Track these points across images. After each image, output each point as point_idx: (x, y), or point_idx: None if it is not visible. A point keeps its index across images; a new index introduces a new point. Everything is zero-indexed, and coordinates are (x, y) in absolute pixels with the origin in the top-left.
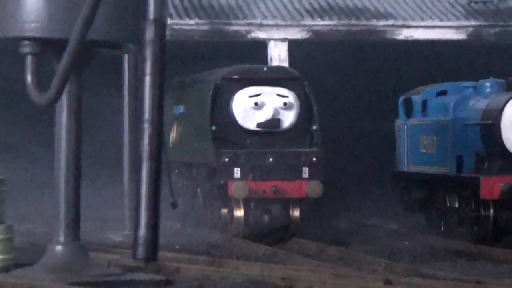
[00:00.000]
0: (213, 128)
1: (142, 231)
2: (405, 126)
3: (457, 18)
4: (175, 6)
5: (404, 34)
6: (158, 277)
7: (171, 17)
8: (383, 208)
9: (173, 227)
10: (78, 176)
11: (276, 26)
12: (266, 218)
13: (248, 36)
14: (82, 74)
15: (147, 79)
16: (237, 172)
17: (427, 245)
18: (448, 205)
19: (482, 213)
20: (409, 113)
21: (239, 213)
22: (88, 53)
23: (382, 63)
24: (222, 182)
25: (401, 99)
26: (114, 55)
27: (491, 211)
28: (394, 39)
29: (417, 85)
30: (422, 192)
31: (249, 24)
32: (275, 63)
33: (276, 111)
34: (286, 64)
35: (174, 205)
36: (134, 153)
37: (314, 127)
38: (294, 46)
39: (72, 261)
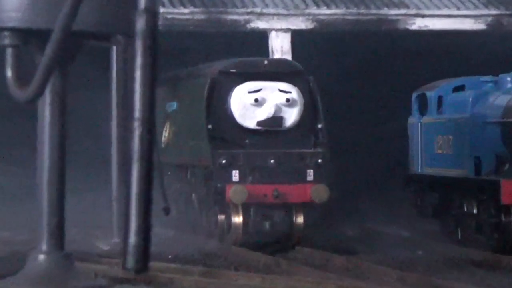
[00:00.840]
0: (209, 126)
1: (132, 239)
2: (419, 124)
3: (476, 7)
4: None
5: (418, 24)
6: None
7: (164, 6)
8: (395, 213)
9: (166, 235)
10: (62, 178)
11: (278, 15)
12: (267, 225)
13: (248, 26)
14: (67, 68)
15: (138, 74)
16: (235, 175)
17: (443, 255)
18: (465, 210)
19: (503, 219)
20: (423, 110)
21: (238, 219)
22: (73, 45)
23: (394, 56)
24: (219, 185)
25: (414, 95)
26: (102, 48)
27: None
28: (407, 29)
29: (432, 80)
30: (437, 196)
31: (248, 13)
32: (277, 55)
33: (278, 108)
34: (288, 56)
35: (166, 211)
36: (123, 153)
37: (319, 126)
38: (297, 37)
39: (56, 271)
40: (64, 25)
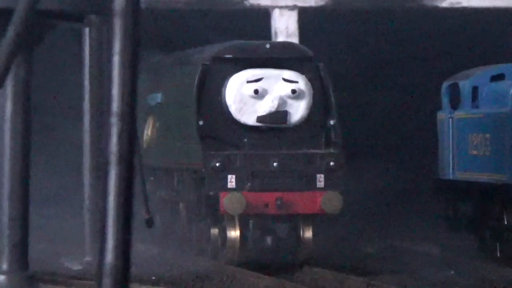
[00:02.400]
0: (200, 123)
1: (109, 257)
2: (450, 120)
3: None
4: None
5: (449, 0)
6: None
7: None
8: (422, 227)
9: (149, 252)
10: (26, 186)
11: None
12: (268, 240)
13: (246, 2)
14: (32, 54)
15: (116, 60)
16: (231, 181)
17: (479, 275)
18: (505, 223)
19: None
20: (455, 104)
21: (234, 233)
22: (39, 27)
23: (420, 39)
24: (211, 193)
25: (444, 85)
26: (73, 30)
27: None
28: (436, 7)
29: (466, 67)
30: (472, 206)
31: None
32: (281, 38)
33: (282, 101)
34: (295, 39)
35: (150, 223)
36: (98, 155)
37: (331, 122)
38: (305, 16)
39: None
40: (28, 4)
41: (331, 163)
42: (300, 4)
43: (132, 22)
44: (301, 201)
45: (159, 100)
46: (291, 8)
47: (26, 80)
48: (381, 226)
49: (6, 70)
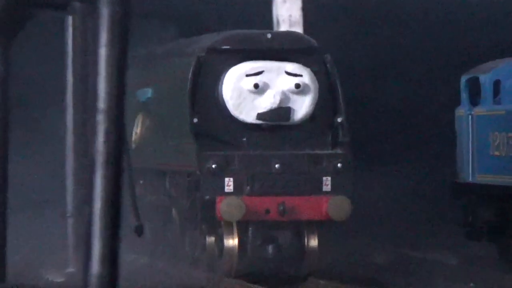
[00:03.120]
0: (195, 120)
1: (95, 268)
2: (469, 117)
3: None
4: None
5: None
6: None
7: None
8: (437, 234)
9: (139, 262)
10: (3, 190)
11: None
12: (270, 249)
13: None
14: (10, 44)
15: (103, 52)
16: (228, 184)
17: None
18: None
19: None
20: (475, 99)
21: (232, 242)
22: (18, 15)
23: (437, 27)
24: (207, 197)
25: (463, 79)
26: (55, 19)
27: None
28: None
29: (487, 59)
30: (493, 212)
31: None
32: (283, 27)
33: (284, 97)
34: (299, 28)
35: (139, 231)
36: (83, 156)
37: (339, 119)
38: (310, 2)
39: None
40: None
41: (339, 165)
42: None
43: (120, 10)
44: (305, 207)
45: (149, 96)
46: None
47: (3, 74)
48: (393, 233)
49: None
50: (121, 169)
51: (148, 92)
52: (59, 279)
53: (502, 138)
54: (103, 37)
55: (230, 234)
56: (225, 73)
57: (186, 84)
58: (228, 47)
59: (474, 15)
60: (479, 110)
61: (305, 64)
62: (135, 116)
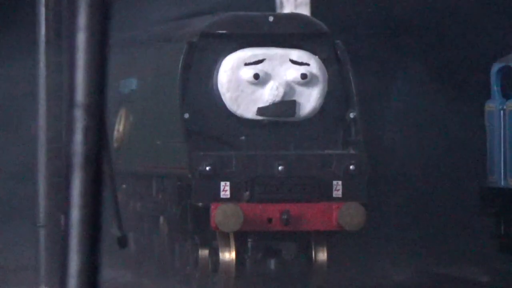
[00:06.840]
0: (186, 116)
1: (72, 286)
2: (501, 112)
3: None
4: None
5: None
6: None
7: None
8: (465, 247)
9: (122, 279)
10: None
11: None
12: (272, 264)
13: None
14: None
15: (81, 37)
16: (225, 189)
17: None
18: None
19: None
20: (508, 92)
21: (228, 255)
22: None
23: (463, 10)
24: (200, 205)
25: (495, 68)
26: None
27: None
28: None
29: None
30: None
31: None
32: (287, 9)
33: (289, 89)
34: (306, 10)
35: (122, 242)
36: (57, 157)
37: (351, 115)
38: None
39: None
40: None
41: (351, 167)
42: None
43: None
44: (313, 215)
45: (133, 88)
46: None
47: None
48: (414, 246)
49: None
50: (101, 172)
51: (132, 84)
52: None
53: None
54: (81, 19)
55: (227, 246)
56: (221, 62)
57: (175, 74)
58: (224, 31)
59: None
60: None
61: (313, 51)
62: (117, 111)
